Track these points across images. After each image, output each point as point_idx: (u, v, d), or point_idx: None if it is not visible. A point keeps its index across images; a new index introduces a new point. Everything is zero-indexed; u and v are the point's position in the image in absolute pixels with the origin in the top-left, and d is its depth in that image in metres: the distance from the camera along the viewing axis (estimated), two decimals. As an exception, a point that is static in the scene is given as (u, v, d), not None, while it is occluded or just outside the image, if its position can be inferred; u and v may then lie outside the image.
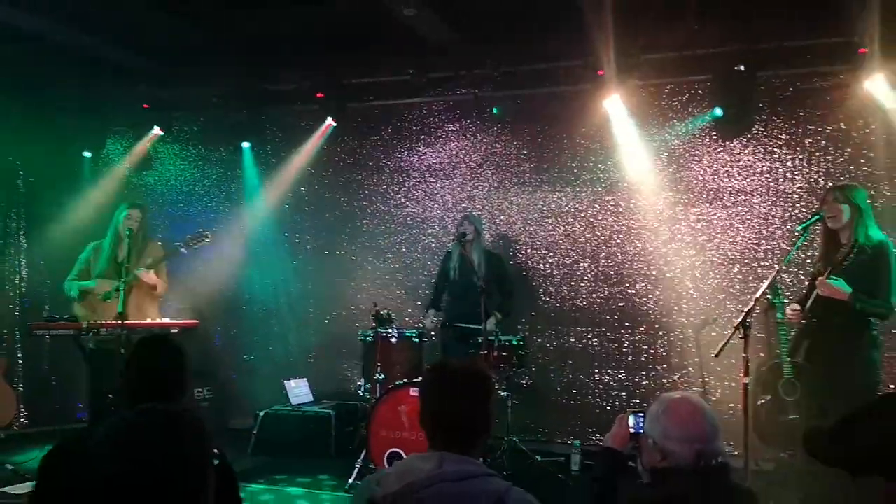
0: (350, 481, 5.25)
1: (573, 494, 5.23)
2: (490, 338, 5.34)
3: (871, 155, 5.74)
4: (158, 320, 5.78)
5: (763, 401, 5.17)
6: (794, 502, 4.60)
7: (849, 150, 5.79)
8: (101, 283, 5.75)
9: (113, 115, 7.30)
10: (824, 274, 4.23)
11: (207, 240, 5.98)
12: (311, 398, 6.75)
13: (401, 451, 4.96)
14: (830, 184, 5.54)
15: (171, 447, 1.51)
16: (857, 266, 4.12)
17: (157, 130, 7.23)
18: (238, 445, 6.29)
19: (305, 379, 6.86)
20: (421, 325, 5.92)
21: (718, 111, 5.76)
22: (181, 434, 1.54)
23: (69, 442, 2.25)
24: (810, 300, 4.34)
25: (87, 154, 7.52)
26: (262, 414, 6.37)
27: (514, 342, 5.51)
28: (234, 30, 5.78)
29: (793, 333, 4.70)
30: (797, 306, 4.55)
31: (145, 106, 7.08)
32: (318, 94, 6.50)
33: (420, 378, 5.22)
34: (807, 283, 4.94)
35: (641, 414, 2.54)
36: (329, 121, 6.73)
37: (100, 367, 5.46)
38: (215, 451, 2.22)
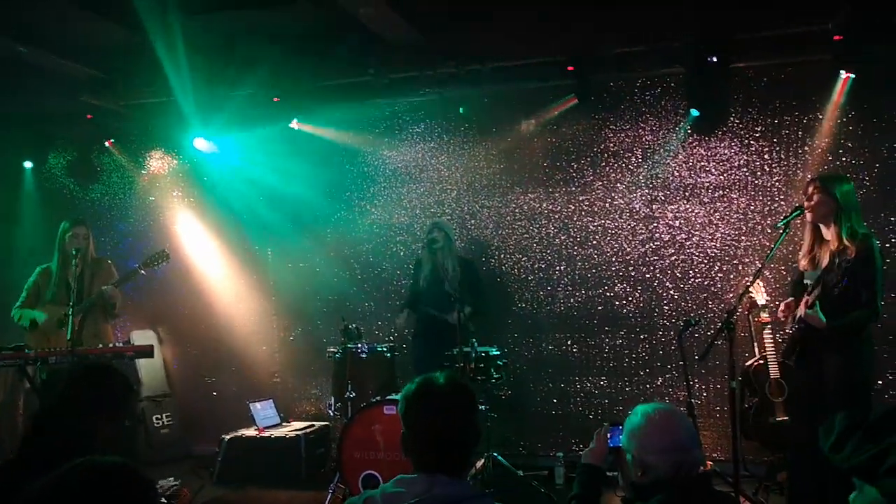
0: (324, 508, 5.28)
1: (558, 510, 5.32)
2: (466, 349, 5.43)
3: (850, 145, 5.92)
4: (111, 346, 5.75)
5: (750, 403, 5.32)
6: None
7: (827, 139, 5.94)
8: (51, 311, 5.69)
9: (55, 126, 7.28)
10: (809, 291, 4.27)
11: (168, 258, 5.98)
12: (277, 420, 6.77)
13: (376, 474, 5.02)
14: (809, 175, 5.67)
15: None
16: (846, 273, 4.18)
17: (106, 142, 7.26)
18: (202, 473, 6.33)
19: (271, 400, 6.87)
20: (394, 331, 5.97)
21: (695, 112, 5.93)
22: (119, 492, 1.52)
23: None
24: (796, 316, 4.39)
25: (28, 165, 7.49)
26: (226, 439, 6.36)
27: (491, 353, 5.59)
28: (184, 35, 5.79)
29: (789, 332, 4.67)
30: (784, 308, 4.54)
31: (89, 116, 7.04)
32: (275, 99, 6.53)
33: (393, 395, 5.29)
34: (790, 280, 5.02)
35: (619, 426, 2.63)
36: (291, 123, 6.77)
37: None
38: (163, 501, 2.22)
